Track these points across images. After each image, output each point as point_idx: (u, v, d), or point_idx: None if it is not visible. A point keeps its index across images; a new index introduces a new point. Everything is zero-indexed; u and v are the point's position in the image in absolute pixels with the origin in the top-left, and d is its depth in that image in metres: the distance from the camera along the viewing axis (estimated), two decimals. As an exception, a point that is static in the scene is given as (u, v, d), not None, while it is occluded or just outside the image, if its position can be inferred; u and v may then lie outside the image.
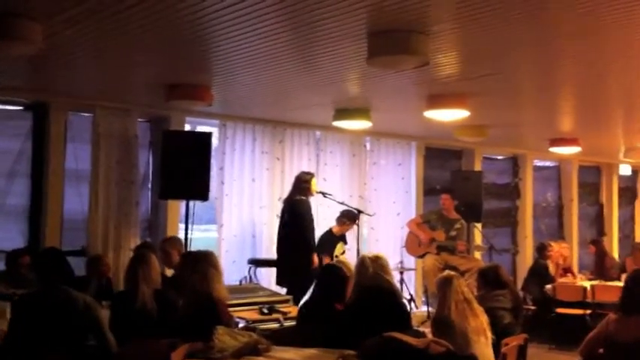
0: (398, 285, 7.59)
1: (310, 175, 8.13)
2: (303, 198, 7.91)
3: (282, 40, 4.88)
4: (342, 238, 8.50)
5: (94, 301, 4.51)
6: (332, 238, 8.43)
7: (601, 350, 4.57)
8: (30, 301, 4.42)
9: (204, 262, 4.72)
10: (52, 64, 5.90)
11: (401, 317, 4.61)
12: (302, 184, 7.97)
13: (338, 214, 8.55)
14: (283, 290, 7.70)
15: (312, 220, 7.90)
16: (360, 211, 8.38)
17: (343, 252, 8.46)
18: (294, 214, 7.85)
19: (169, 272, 6.32)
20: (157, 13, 4.29)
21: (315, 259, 7.70)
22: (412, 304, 9.25)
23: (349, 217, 8.40)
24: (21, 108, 7.38)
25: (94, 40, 5.05)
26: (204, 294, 4.57)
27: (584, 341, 4.65)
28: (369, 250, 8.37)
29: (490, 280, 5.36)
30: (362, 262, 4.85)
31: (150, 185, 8.17)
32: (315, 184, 8.09)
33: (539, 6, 4.08)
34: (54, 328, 4.22)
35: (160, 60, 5.74)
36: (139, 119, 7.90)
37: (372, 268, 4.76)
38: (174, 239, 6.93)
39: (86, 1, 4.09)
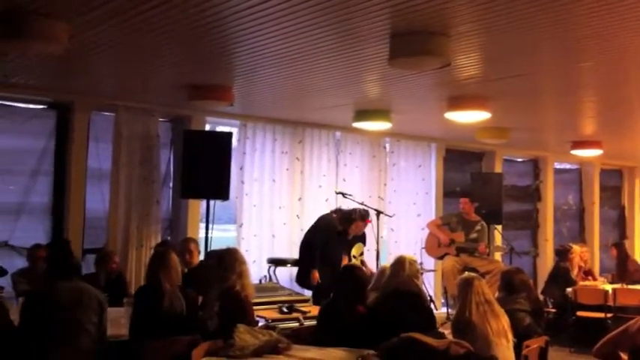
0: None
1: (359, 221, 7.84)
2: (334, 215, 7.84)
3: (303, 41, 4.89)
4: (362, 239, 8.38)
5: (105, 299, 4.57)
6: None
7: (625, 356, 4.48)
8: (43, 296, 4.46)
9: (232, 259, 4.74)
10: (76, 63, 5.95)
11: (427, 320, 4.65)
12: (345, 219, 7.79)
13: None
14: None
15: (319, 236, 7.69)
16: (379, 212, 8.33)
17: (362, 253, 8.41)
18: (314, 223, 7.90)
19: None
20: (181, 14, 4.32)
21: (316, 275, 7.53)
22: (432, 305, 9.21)
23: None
24: (45, 107, 7.45)
25: (118, 40, 5.10)
26: (235, 292, 4.58)
27: (601, 342, 4.49)
28: (389, 252, 8.35)
29: (510, 283, 5.36)
30: (401, 263, 4.90)
31: (171, 184, 8.22)
32: (351, 232, 7.86)
33: (561, 8, 4.06)
34: (66, 321, 4.27)
35: (182, 60, 5.78)
36: (161, 119, 7.95)
37: (408, 271, 4.83)
38: (194, 239, 7.03)
39: (111, 1, 4.13)
